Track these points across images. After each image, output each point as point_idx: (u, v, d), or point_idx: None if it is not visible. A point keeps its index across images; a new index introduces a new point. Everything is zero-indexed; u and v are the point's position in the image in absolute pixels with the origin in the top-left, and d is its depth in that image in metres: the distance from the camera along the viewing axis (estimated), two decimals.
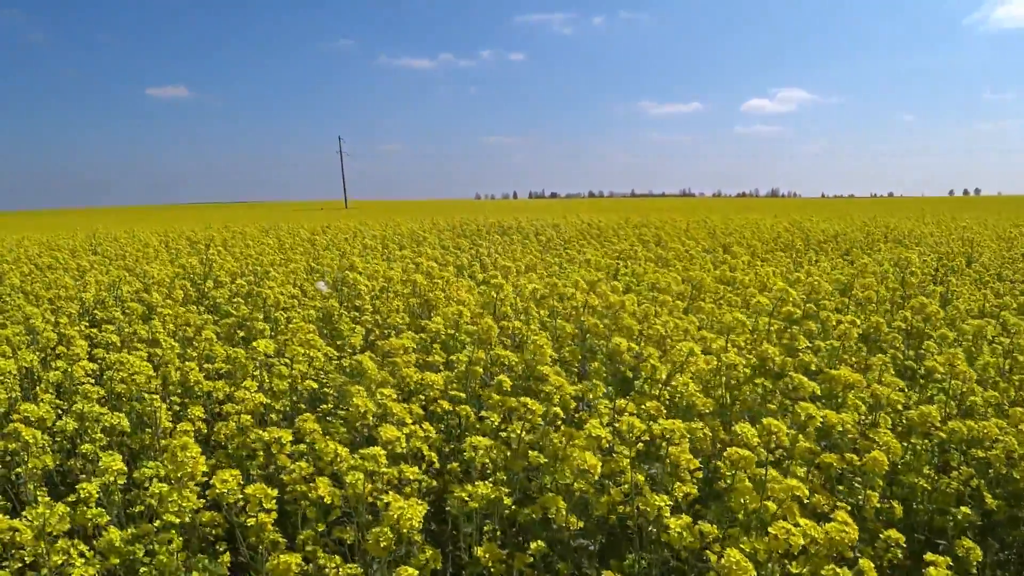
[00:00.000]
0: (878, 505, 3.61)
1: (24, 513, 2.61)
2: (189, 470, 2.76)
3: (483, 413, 3.87)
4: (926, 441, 4.11)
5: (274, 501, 2.77)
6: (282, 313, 6.39)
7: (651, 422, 3.14)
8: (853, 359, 5.18)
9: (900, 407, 4.28)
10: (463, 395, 4.25)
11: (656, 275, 9.26)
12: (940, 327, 5.71)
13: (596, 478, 3.04)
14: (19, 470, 4.35)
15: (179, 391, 5.27)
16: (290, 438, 4.30)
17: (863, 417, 4.29)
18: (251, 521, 2.82)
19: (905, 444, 4.06)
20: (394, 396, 3.94)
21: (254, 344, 4.57)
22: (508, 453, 3.41)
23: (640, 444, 3.20)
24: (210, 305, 7.77)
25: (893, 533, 3.17)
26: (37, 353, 5.81)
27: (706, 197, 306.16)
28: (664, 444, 3.13)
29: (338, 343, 6.11)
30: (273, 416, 4.70)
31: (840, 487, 3.74)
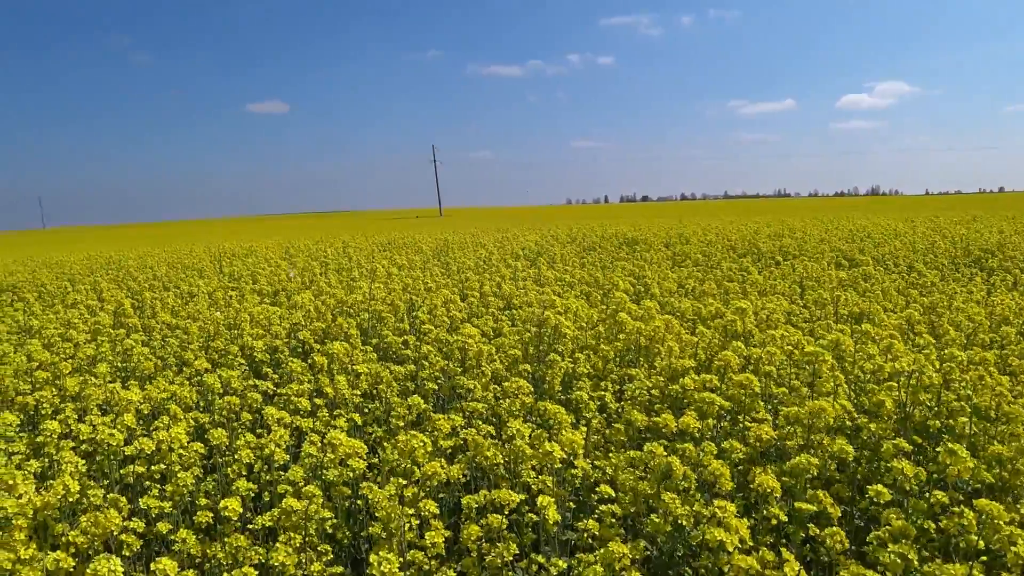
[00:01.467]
0: None
1: None
2: None
3: (894, 549, 2.76)
4: None
5: None
6: (486, 364, 5.45)
7: None
8: None
9: None
10: (812, 508, 3.17)
11: (865, 306, 7.99)
12: None
13: None
14: None
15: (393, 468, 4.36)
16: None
17: None
18: None
19: None
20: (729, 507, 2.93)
21: (514, 427, 3.62)
22: None
23: None
24: (377, 346, 6.92)
25: None
26: (217, 417, 5.02)
27: (802, 197, 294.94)
28: None
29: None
30: (528, 513, 3.73)
31: None
